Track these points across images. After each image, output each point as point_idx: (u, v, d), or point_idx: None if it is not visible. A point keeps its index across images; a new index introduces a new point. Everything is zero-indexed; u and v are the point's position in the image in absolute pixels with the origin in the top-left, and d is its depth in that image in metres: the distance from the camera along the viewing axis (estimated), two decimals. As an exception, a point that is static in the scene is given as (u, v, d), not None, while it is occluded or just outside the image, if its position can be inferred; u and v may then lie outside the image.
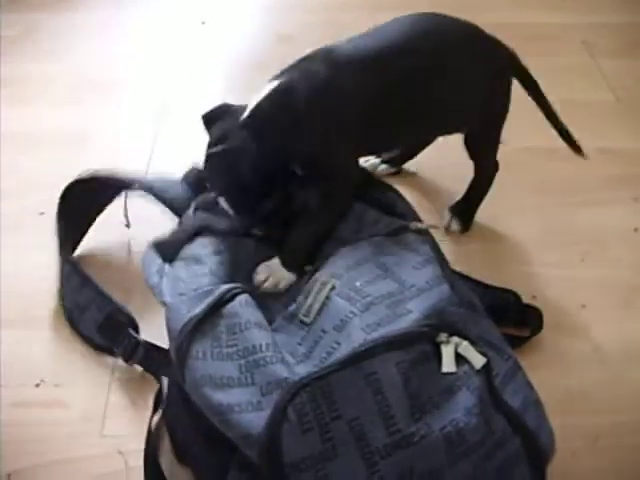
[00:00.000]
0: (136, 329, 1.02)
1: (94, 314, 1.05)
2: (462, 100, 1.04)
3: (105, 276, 1.10)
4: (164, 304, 0.90)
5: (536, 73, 1.48)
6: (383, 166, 1.28)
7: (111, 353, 1.03)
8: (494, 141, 1.15)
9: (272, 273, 0.94)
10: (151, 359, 0.99)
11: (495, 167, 1.18)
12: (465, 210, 1.21)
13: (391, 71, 0.96)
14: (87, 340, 1.06)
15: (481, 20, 1.66)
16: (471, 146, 1.13)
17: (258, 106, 0.94)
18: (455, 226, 1.20)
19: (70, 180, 1.13)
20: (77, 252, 1.17)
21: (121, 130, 1.40)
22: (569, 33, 1.66)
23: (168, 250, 0.97)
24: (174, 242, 0.99)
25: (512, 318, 1.03)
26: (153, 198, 1.10)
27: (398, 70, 0.97)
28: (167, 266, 0.94)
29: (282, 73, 0.97)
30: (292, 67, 0.98)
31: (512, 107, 1.34)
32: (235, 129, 0.93)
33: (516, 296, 1.06)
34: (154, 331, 0.98)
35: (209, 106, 1.43)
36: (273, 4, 1.80)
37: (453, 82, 1.02)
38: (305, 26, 1.67)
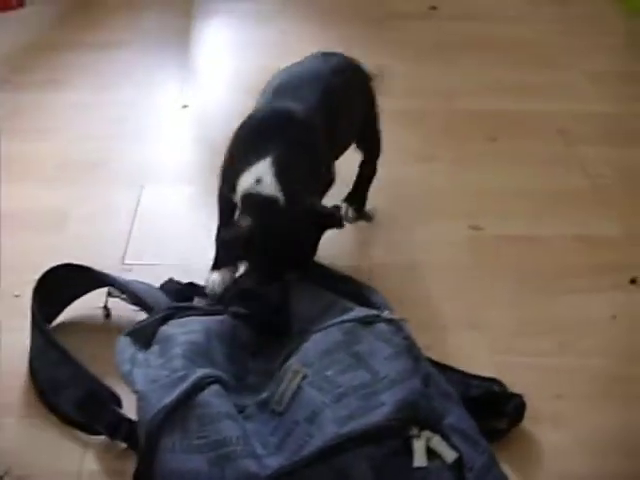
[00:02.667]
0: (119, 405, 0.99)
1: (74, 391, 1.01)
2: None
3: (82, 348, 1.07)
4: (136, 392, 0.89)
5: (513, 159, 1.53)
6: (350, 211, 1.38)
7: (89, 430, 0.99)
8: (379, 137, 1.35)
9: None
10: (135, 436, 0.94)
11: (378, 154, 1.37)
12: (358, 199, 1.37)
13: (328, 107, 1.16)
14: (63, 418, 1.02)
15: (459, 105, 1.72)
16: (365, 148, 1.33)
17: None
18: (351, 214, 1.36)
19: (47, 262, 1.13)
20: (51, 325, 1.14)
21: (100, 212, 1.40)
22: (546, 120, 1.69)
23: (142, 336, 0.98)
24: (147, 327, 1.00)
25: (494, 408, 1.00)
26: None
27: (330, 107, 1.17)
28: (140, 354, 0.94)
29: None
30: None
31: (489, 195, 1.37)
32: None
33: (500, 385, 1.03)
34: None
35: (189, 190, 1.47)
36: (254, 86, 1.83)
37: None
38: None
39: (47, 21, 2.08)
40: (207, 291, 1.13)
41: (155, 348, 0.96)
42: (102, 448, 0.99)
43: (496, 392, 1.03)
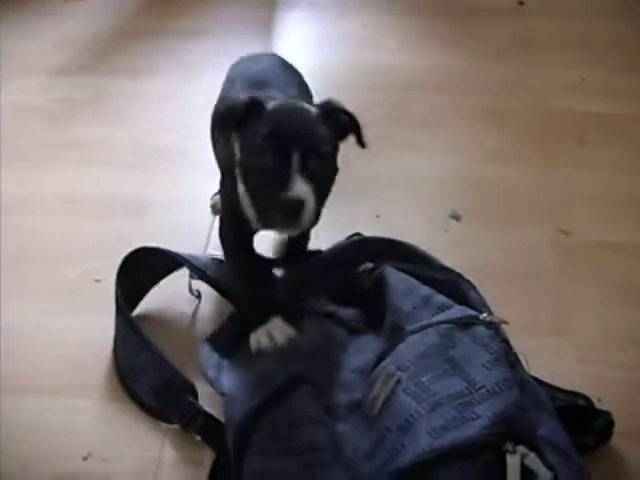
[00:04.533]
0: (196, 396, 1.00)
1: (151, 378, 1.03)
2: None
3: (164, 337, 1.09)
4: (222, 394, 0.89)
5: (602, 163, 1.47)
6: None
7: (165, 419, 1.00)
8: None
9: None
10: (210, 430, 0.96)
11: None
12: None
13: None
14: (141, 404, 1.03)
15: (544, 105, 1.66)
16: None
17: None
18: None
19: (128, 249, 1.14)
20: (136, 312, 1.16)
21: (182, 201, 1.40)
22: (637, 125, 1.62)
23: (223, 340, 0.99)
24: (229, 336, 1.01)
25: (580, 424, 0.96)
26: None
27: None
28: (226, 360, 0.95)
29: None
30: None
31: (578, 199, 1.33)
32: None
33: (587, 400, 1.00)
34: (213, 397, 0.97)
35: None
36: (332, 80, 1.81)
37: None
38: (367, 104, 1.68)
39: (131, 8, 2.10)
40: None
41: (242, 353, 0.96)
42: (182, 436, 0.99)
43: (582, 406, 1.00)
